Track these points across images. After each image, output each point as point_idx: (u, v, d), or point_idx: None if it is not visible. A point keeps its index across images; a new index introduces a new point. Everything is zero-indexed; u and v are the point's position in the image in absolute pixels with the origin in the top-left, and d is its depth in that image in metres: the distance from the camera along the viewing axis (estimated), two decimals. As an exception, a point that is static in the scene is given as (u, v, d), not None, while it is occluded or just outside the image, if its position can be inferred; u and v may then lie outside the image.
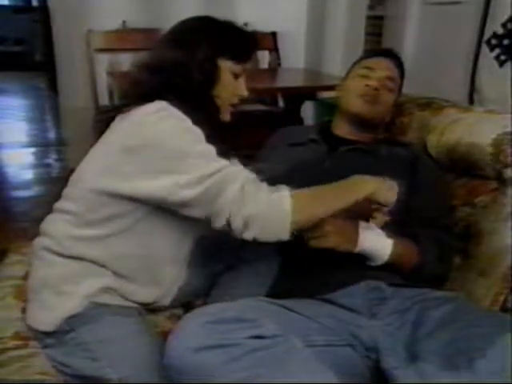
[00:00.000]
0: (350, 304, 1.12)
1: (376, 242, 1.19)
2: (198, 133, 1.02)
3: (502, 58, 1.73)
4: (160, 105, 1.02)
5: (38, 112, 5.34)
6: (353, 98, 1.45)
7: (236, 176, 0.98)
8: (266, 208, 0.95)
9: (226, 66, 1.10)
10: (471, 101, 1.85)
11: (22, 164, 3.65)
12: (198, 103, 1.06)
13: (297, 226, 0.98)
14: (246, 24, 2.99)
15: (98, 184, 1.02)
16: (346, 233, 1.16)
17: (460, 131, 1.42)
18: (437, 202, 1.34)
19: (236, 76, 1.12)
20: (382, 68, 1.47)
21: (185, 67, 1.06)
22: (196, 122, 1.04)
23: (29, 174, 3.43)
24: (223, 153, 1.20)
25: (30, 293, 1.09)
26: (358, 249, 1.16)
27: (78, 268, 1.04)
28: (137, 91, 1.08)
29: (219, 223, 0.97)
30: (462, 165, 1.41)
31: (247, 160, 1.59)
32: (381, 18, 2.50)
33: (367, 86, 1.43)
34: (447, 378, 0.88)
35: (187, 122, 1.02)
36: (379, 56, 1.53)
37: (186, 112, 1.03)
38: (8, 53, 7.01)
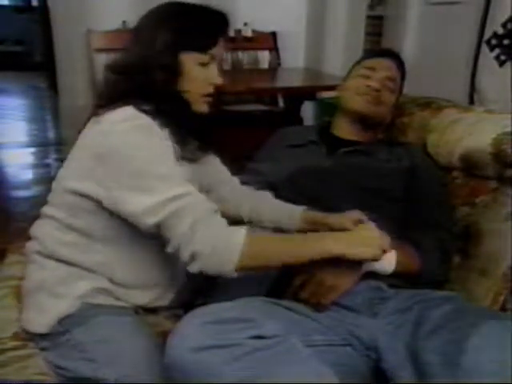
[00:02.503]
0: (350, 303, 1.12)
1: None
2: (165, 150, 0.99)
3: (502, 58, 1.73)
4: (130, 112, 0.99)
5: (37, 112, 5.34)
6: (354, 97, 1.45)
7: (191, 208, 0.94)
8: (212, 248, 0.92)
9: (189, 57, 1.05)
10: (471, 101, 1.85)
11: (21, 164, 3.65)
12: (163, 100, 1.03)
13: (243, 269, 0.95)
14: (245, 24, 3.00)
15: (75, 187, 1.02)
16: (339, 273, 1.12)
17: (460, 131, 1.41)
18: (437, 202, 1.33)
19: (205, 64, 1.07)
20: (383, 68, 1.47)
21: (145, 65, 1.03)
22: (166, 119, 1.02)
23: (29, 174, 3.43)
24: (203, 149, 1.18)
25: (25, 296, 1.09)
26: (363, 270, 1.16)
27: (69, 271, 1.04)
28: (107, 91, 1.07)
29: (169, 249, 0.96)
30: (462, 164, 1.41)
31: (246, 160, 1.60)
32: (381, 17, 2.50)
33: (368, 86, 1.43)
34: (447, 378, 0.88)
35: (156, 135, 0.99)
36: (380, 56, 1.53)
37: (155, 111, 1.01)
38: (8, 53, 7.01)
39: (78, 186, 1.01)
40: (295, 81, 2.83)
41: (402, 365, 0.98)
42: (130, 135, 0.97)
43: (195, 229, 0.92)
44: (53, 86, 3.98)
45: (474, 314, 1.00)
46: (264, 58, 3.14)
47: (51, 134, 4.40)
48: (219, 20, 1.09)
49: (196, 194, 0.97)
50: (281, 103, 3.07)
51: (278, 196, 1.39)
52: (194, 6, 1.08)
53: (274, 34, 3.15)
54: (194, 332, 0.86)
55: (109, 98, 1.05)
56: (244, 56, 3.06)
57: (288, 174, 1.41)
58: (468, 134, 1.39)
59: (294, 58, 3.16)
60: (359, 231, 1.04)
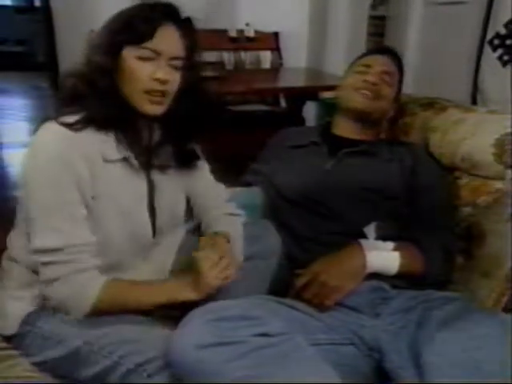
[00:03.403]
0: (352, 303, 1.12)
1: (384, 260, 1.19)
2: (67, 185, 0.96)
3: (505, 58, 1.73)
4: (49, 136, 0.97)
5: (39, 112, 5.34)
6: (351, 94, 1.45)
7: (70, 261, 0.96)
8: (61, 301, 0.98)
9: (128, 53, 0.99)
10: (474, 101, 1.84)
11: (23, 164, 3.66)
12: (99, 100, 0.99)
13: (96, 313, 0.99)
14: (247, 24, 3.00)
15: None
16: (343, 274, 1.15)
17: (463, 131, 1.41)
18: (439, 202, 1.33)
19: (145, 59, 0.99)
20: (379, 64, 1.46)
21: (86, 65, 1.02)
22: (104, 123, 1.00)
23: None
24: (179, 157, 1.14)
25: None
26: (367, 271, 1.16)
27: (31, 276, 1.04)
28: (62, 94, 1.06)
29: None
30: (465, 165, 1.41)
31: (249, 160, 1.59)
32: (383, 18, 2.50)
33: (365, 81, 1.43)
34: (450, 378, 0.88)
35: (68, 164, 0.95)
36: (375, 53, 1.53)
37: (88, 117, 0.99)
38: (10, 53, 7.02)
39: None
40: (297, 81, 2.83)
41: (404, 365, 0.98)
42: (43, 171, 0.96)
43: (53, 284, 0.96)
44: (55, 86, 3.98)
45: (478, 314, 1.00)
46: (266, 58, 3.14)
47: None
48: (156, 11, 1.00)
49: (77, 247, 0.97)
50: (283, 103, 3.08)
51: (281, 197, 1.40)
52: (143, 3, 1.03)
53: (276, 34, 3.15)
54: (197, 329, 0.86)
55: (60, 99, 1.05)
56: (246, 56, 3.06)
57: (290, 175, 1.41)
58: (471, 134, 1.39)
59: (296, 58, 3.16)
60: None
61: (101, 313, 0.98)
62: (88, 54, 1.03)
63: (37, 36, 6.52)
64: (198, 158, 1.19)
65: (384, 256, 1.20)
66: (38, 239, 0.96)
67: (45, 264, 0.96)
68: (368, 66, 1.47)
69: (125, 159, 1.04)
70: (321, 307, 1.11)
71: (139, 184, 1.08)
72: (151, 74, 0.99)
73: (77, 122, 0.98)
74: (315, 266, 1.16)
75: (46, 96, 5.63)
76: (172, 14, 1.03)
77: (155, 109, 1.02)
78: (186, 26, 1.05)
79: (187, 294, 1.01)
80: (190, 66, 1.07)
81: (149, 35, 0.98)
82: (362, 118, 1.45)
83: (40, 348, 1.01)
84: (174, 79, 1.03)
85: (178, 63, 1.03)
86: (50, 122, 0.98)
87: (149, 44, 0.99)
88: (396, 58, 1.51)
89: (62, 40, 2.85)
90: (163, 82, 1.00)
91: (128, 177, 1.05)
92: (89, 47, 1.04)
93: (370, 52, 1.58)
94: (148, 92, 1.00)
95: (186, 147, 1.16)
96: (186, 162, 1.16)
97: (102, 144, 1.00)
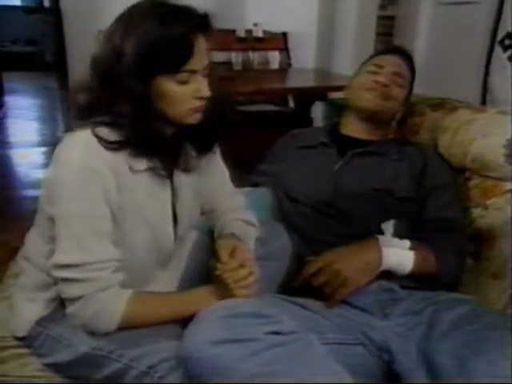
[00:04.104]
0: (362, 304, 1.12)
1: (399, 258, 1.19)
2: (94, 198, 0.92)
3: (516, 58, 1.72)
4: (84, 142, 0.93)
5: (49, 112, 5.38)
6: (362, 93, 1.44)
7: (83, 281, 0.93)
8: (88, 319, 0.95)
9: (164, 78, 0.93)
10: (483, 101, 1.83)
11: (33, 163, 3.67)
12: (138, 123, 0.94)
13: (125, 326, 0.97)
14: (256, 24, 3.00)
15: (42, 199, 1.02)
16: (357, 267, 1.14)
17: (474, 132, 1.40)
18: (449, 203, 1.33)
19: (185, 82, 0.94)
20: (391, 65, 1.46)
21: (112, 92, 0.94)
22: (143, 140, 0.96)
23: (40, 174, 3.46)
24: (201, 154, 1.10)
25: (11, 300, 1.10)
26: (382, 267, 1.16)
27: (44, 279, 1.03)
28: (81, 103, 0.99)
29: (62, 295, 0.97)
30: (475, 166, 1.40)
31: (256, 161, 1.59)
32: (392, 18, 2.50)
33: (376, 82, 1.43)
34: (461, 380, 0.87)
35: (96, 175, 0.91)
36: (387, 53, 1.52)
37: (124, 141, 0.94)
38: (20, 53, 7.07)
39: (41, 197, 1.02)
40: (305, 81, 2.83)
41: (414, 367, 0.98)
42: (66, 169, 0.93)
43: (76, 303, 0.94)
44: (64, 86, 4.01)
45: (489, 316, 1.00)
46: (274, 58, 3.14)
47: (62, 134, 4.43)
48: (189, 24, 0.92)
49: (100, 263, 0.94)
50: (291, 104, 3.07)
51: (289, 198, 1.39)
52: (165, 11, 0.93)
53: (284, 35, 3.15)
54: (211, 325, 0.86)
55: (78, 109, 1.00)
56: (254, 56, 3.06)
57: (299, 176, 1.40)
58: (481, 135, 1.38)
59: (305, 59, 3.16)
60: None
61: (128, 327, 0.96)
62: (114, 73, 0.94)
63: (46, 36, 6.58)
64: (215, 140, 1.15)
65: (400, 254, 1.19)
66: (63, 254, 0.93)
67: (66, 281, 0.94)
68: (380, 66, 1.46)
69: (151, 168, 1.01)
70: (329, 300, 1.11)
71: (164, 192, 1.06)
72: (194, 93, 0.96)
73: (114, 142, 0.94)
74: (330, 254, 1.14)
75: (55, 96, 5.67)
76: (203, 24, 0.95)
77: (197, 117, 1.00)
78: (209, 29, 0.97)
79: (211, 304, 0.97)
80: (210, 69, 1.01)
81: (186, 59, 0.92)
82: (371, 117, 1.44)
83: (50, 350, 1.01)
84: (208, 88, 1.00)
85: (207, 71, 0.99)
86: (80, 129, 0.94)
87: (187, 66, 0.93)
88: (408, 59, 1.50)
89: (71, 40, 2.87)
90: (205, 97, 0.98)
91: (154, 187, 1.03)
92: (113, 64, 0.95)
93: (383, 52, 1.57)
94: (192, 109, 0.98)
95: (209, 145, 1.13)
96: (205, 147, 1.13)
97: (129, 155, 0.97)
